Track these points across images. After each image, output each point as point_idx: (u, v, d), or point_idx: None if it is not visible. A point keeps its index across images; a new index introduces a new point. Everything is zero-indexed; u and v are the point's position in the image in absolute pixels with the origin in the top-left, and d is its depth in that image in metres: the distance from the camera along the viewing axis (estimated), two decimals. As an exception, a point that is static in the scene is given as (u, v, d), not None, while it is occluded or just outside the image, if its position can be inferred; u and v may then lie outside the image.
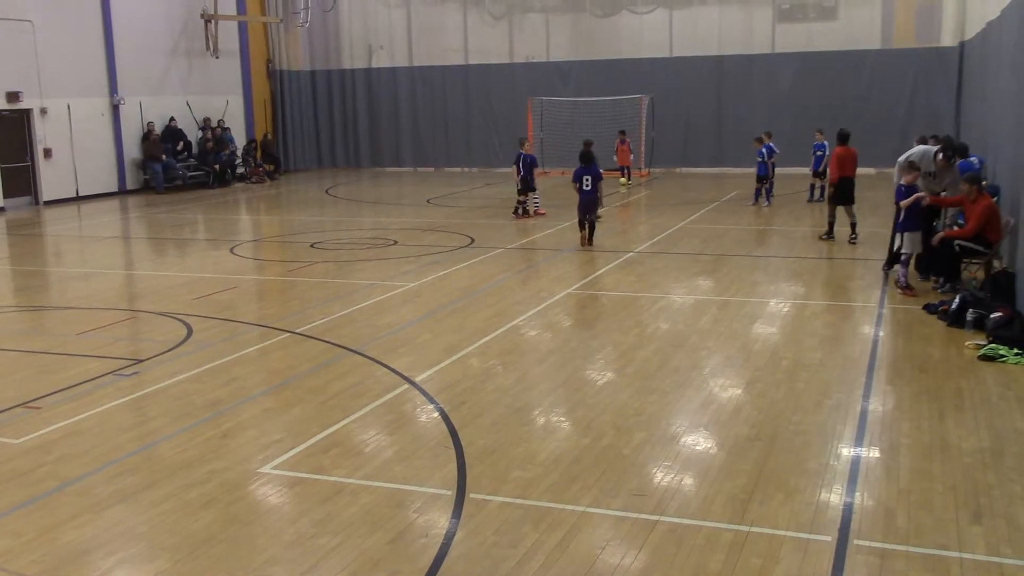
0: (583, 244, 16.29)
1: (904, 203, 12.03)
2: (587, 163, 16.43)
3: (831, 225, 16.26)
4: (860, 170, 23.52)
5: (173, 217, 22.41)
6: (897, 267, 12.30)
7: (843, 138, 16.44)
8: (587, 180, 16.18)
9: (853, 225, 16.06)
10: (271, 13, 32.61)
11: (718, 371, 9.11)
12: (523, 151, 20.01)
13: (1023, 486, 6.29)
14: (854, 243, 15.81)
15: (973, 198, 11.71)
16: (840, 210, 16.18)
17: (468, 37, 32.89)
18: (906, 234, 12.12)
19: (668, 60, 30.05)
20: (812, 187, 21.42)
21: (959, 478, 6.44)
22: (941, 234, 12.20)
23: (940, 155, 12.98)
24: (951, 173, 12.90)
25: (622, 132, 26.45)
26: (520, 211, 20.10)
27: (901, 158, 13.37)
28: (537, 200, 20.37)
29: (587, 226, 16.33)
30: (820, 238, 16.34)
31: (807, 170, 22.66)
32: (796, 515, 5.92)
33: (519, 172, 19.81)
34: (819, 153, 20.86)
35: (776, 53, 29.13)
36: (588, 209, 16.26)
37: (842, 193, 16.02)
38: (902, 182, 12.42)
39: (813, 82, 28.34)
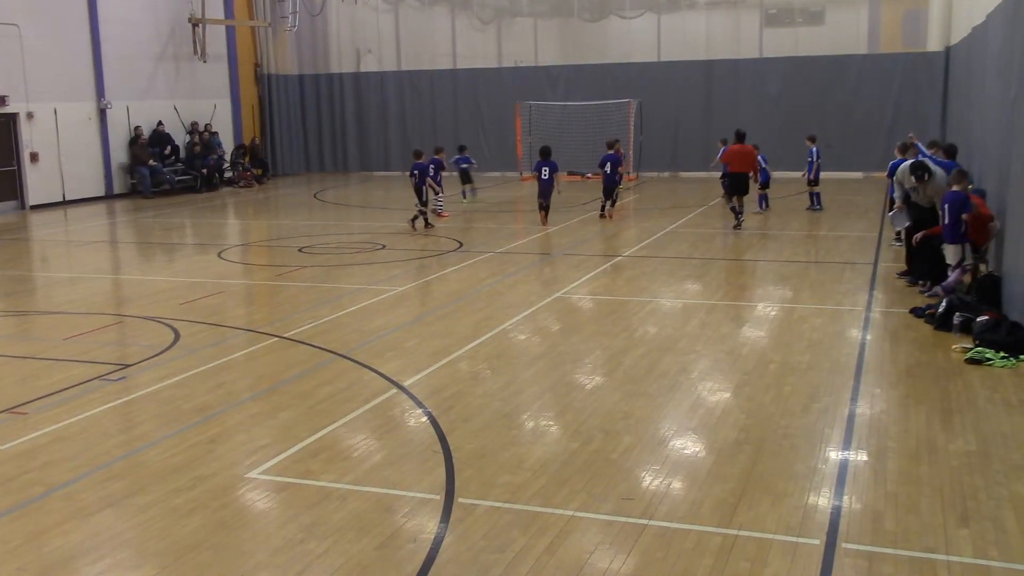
0: (542, 223, 19.09)
1: (967, 216, 11.29)
2: (545, 157, 19.44)
3: (734, 211, 18.19)
4: (847, 174, 23.28)
5: (160, 221, 22.33)
6: (952, 276, 11.56)
7: (739, 137, 18.52)
8: (545, 170, 19.27)
9: (739, 212, 18.19)
10: (259, 17, 32.54)
11: (706, 375, 9.13)
12: (436, 157, 20.26)
13: (1010, 489, 6.32)
14: (737, 229, 17.87)
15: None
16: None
17: (456, 41, 32.89)
18: (966, 245, 11.48)
19: (656, 64, 30.10)
20: (810, 195, 20.78)
21: (946, 481, 6.46)
22: (921, 233, 12.23)
23: (913, 177, 12.87)
24: (931, 185, 12.75)
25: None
26: (421, 220, 18.99)
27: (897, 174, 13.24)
28: (440, 203, 20.72)
29: (544, 208, 19.27)
30: (733, 228, 17.97)
31: (797, 175, 22.75)
32: (784, 519, 5.94)
33: (433, 180, 19.31)
34: (809, 159, 20.72)
35: (764, 58, 29.21)
36: (545, 194, 19.24)
37: (735, 186, 18.12)
38: (955, 188, 11.49)
39: (800, 87, 28.42)
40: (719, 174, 22.95)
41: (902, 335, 10.40)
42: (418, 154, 19.67)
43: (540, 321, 11.54)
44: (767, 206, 20.59)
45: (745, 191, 18.18)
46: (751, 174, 18.54)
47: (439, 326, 11.22)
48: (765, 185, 20.62)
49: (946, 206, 11.37)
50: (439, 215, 20.49)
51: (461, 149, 24.21)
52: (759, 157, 20.50)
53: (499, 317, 11.57)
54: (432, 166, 19.88)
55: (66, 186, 25.73)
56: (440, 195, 20.52)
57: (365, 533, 5.87)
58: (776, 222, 19.12)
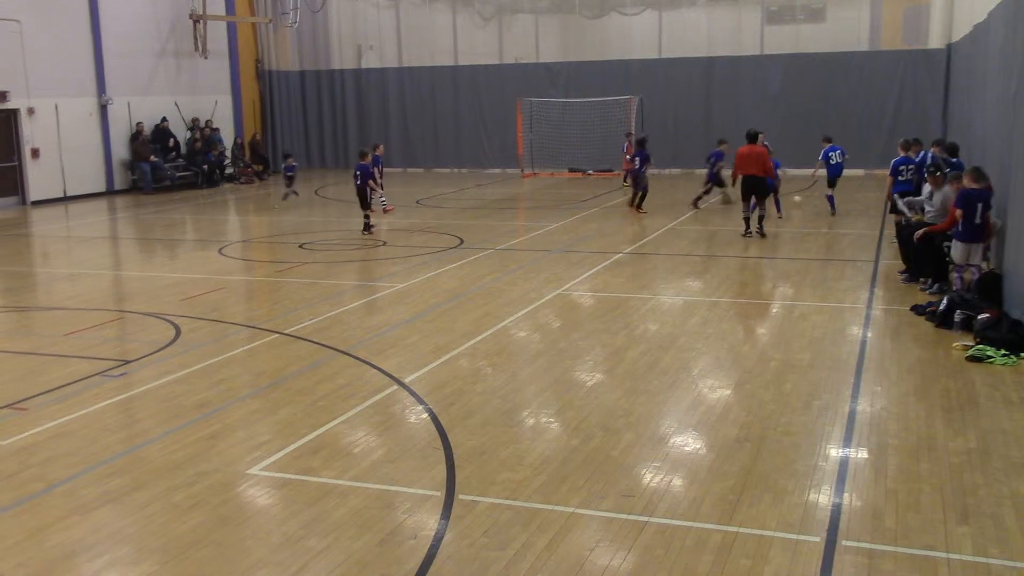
0: (630, 207, 20.36)
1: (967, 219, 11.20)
2: (641, 147, 20.25)
3: (747, 221, 17.13)
4: (848, 171, 22.81)
5: (161, 217, 22.33)
6: (955, 277, 11.59)
7: (749, 137, 17.22)
8: (637, 160, 20.10)
9: (760, 218, 17.04)
10: (260, 13, 32.53)
11: (707, 372, 9.13)
12: (372, 156, 19.72)
13: (1010, 486, 6.32)
14: (763, 236, 16.81)
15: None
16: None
17: (457, 38, 32.87)
18: (974, 245, 11.27)
19: (657, 61, 30.09)
20: (830, 198, 19.84)
21: (946, 479, 6.47)
22: (923, 230, 12.23)
23: (928, 176, 13.02)
24: (942, 193, 12.84)
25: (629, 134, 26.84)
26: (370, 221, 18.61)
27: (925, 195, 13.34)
28: (383, 199, 21.19)
29: (636, 196, 20.29)
30: (742, 235, 16.98)
31: (796, 171, 22.70)
32: (785, 516, 5.94)
33: (366, 183, 18.33)
34: (836, 160, 20.05)
35: (764, 55, 29.20)
36: (635, 182, 20.24)
37: (747, 190, 16.91)
38: (976, 186, 11.31)
39: (801, 84, 28.41)
40: (722, 172, 22.72)
41: (903, 333, 10.40)
42: (363, 155, 18.93)
43: (540, 318, 11.54)
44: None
45: (761, 195, 16.97)
46: (769, 177, 17.09)
47: (439, 323, 11.22)
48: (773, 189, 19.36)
49: (980, 205, 11.08)
50: (384, 210, 21.03)
51: (286, 157, 24.74)
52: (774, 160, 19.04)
53: (499, 314, 11.57)
54: (373, 163, 19.83)
55: (67, 182, 25.73)
56: (381, 192, 20.86)
57: (366, 530, 5.87)
58: (775, 220, 19.07)
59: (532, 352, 10.01)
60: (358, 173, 18.32)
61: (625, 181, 26.64)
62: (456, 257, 15.60)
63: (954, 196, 11.92)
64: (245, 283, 14.62)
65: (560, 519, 5.95)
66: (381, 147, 22.31)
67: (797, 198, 20.72)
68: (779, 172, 19.60)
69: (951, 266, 12.14)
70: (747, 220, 17.14)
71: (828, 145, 19.85)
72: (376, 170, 20.76)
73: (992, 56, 14.38)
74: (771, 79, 28.59)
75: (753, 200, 17.04)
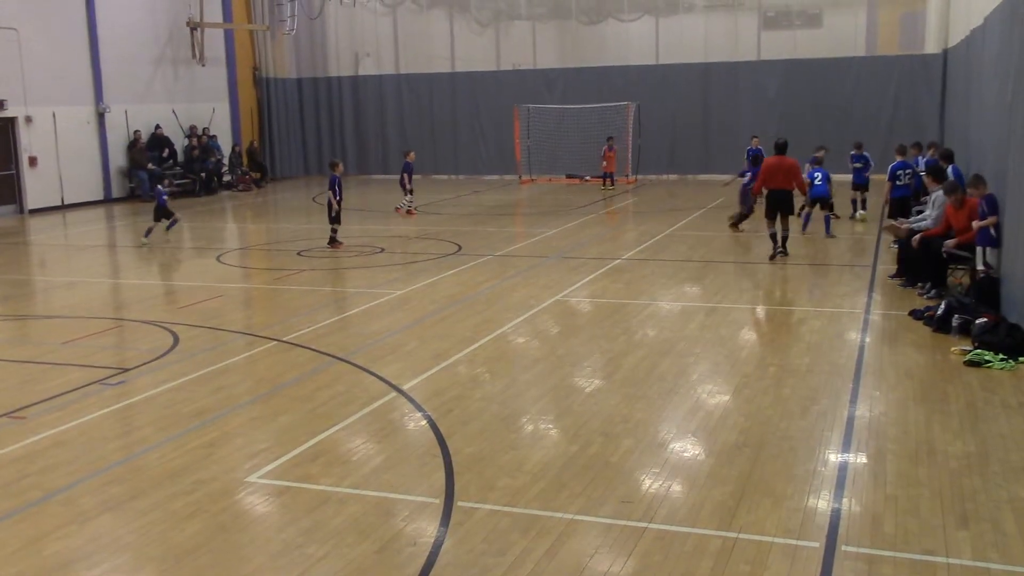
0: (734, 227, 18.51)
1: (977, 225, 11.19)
2: (755, 164, 18.15)
3: (773, 238, 15.34)
4: (846, 177, 22.76)
5: (159, 225, 22.26)
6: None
7: (778, 148, 15.55)
8: (748, 176, 18.48)
9: (784, 238, 15.33)
10: (257, 21, 32.55)
11: (705, 378, 9.13)
12: (408, 161, 22.04)
13: (1009, 491, 6.32)
14: (780, 258, 15.18)
15: (959, 205, 11.76)
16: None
17: (455, 45, 32.91)
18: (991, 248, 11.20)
19: (654, 67, 30.13)
20: (854, 201, 19.77)
21: (945, 483, 6.47)
22: (919, 235, 12.26)
23: (929, 176, 12.96)
24: (937, 195, 12.84)
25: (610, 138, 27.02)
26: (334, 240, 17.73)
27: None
28: (412, 201, 22.48)
29: (740, 215, 18.66)
30: (771, 259, 15.21)
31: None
32: (784, 521, 5.94)
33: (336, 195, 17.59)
34: (857, 165, 19.66)
35: (761, 60, 29.24)
36: (744, 198, 18.63)
37: (772, 206, 15.25)
38: (988, 192, 11.31)
39: (798, 89, 28.44)
40: (725, 181, 22.66)
41: (901, 337, 10.41)
42: (333, 165, 18.20)
43: (539, 324, 11.54)
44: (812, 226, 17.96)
45: (789, 211, 15.28)
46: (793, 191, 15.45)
47: (438, 329, 11.22)
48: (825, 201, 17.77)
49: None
50: (410, 213, 22.04)
51: (160, 180, 22.53)
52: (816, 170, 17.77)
53: (498, 320, 11.57)
54: (403, 170, 21.96)
55: (65, 190, 25.72)
56: (410, 195, 22.16)
57: (365, 537, 5.86)
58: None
59: (531, 358, 10.01)
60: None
61: (613, 184, 26.87)
62: (454, 263, 15.60)
63: (948, 202, 11.96)
64: (243, 291, 14.61)
65: (559, 525, 5.95)
66: (412, 153, 23.10)
67: (860, 213, 19.75)
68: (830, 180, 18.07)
69: (950, 268, 12.15)
70: (774, 237, 15.32)
71: (858, 153, 19.80)
72: (406, 176, 22.08)
73: (988, 61, 14.41)
74: (768, 84, 28.70)
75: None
